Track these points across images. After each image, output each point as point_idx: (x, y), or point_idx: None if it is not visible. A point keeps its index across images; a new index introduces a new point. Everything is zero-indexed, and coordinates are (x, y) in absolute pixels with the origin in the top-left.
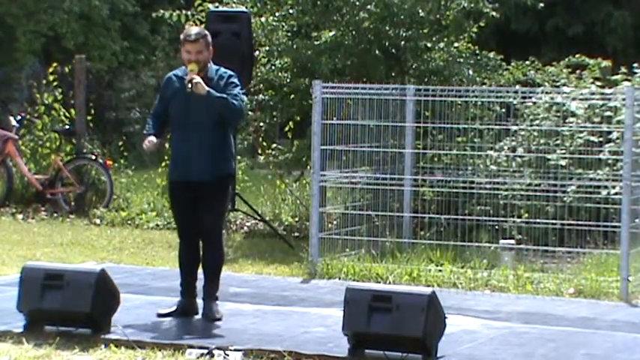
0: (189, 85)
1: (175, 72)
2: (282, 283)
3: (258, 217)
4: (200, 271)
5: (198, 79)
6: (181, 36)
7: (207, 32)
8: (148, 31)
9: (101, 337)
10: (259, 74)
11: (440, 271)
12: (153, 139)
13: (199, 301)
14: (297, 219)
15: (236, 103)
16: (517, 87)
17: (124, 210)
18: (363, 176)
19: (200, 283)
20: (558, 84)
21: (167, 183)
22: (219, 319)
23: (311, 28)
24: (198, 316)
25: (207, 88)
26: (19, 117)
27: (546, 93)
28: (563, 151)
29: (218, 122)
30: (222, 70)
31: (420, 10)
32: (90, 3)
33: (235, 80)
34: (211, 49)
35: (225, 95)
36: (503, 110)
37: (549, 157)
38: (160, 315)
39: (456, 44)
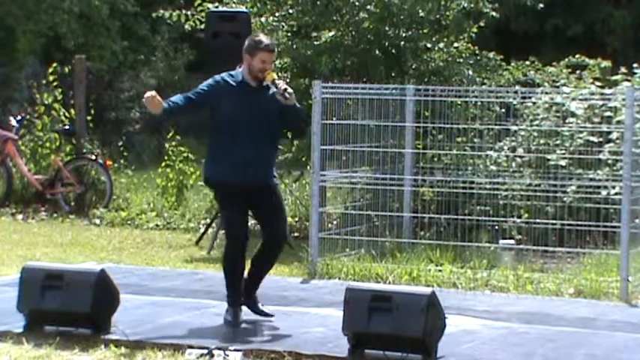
0: (287, 95)
1: (225, 77)
2: (282, 283)
3: None
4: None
5: (290, 89)
6: (248, 42)
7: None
8: (148, 31)
9: (101, 337)
10: None
11: (440, 271)
12: (157, 97)
13: None
14: (297, 219)
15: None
16: (517, 87)
17: (123, 210)
18: (363, 176)
19: None
20: (558, 84)
21: (216, 186)
22: (273, 315)
23: (311, 28)
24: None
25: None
26: (19, 117)
27: (546, 93)
28: (563, 152)
29: (275, 130)
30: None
31: (420, 10)
32: (90, 3)
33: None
34: None
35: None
36: (503, 110)
37: (549, 157)
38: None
39: (455, 44)
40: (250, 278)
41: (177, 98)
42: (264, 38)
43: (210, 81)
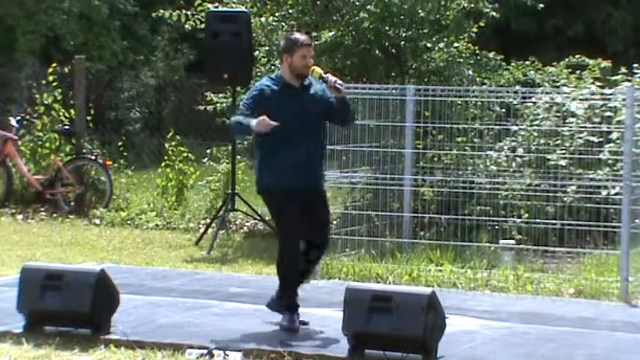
0: (339, 87)
1: (267, 82)
2: None
3: (258, 217)
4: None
5: (340, 81)
6: (285, 42)
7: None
8: (148, 31)
9: (101, 337)
10: (259, 74)
11: (440, 271)
12: (267, 119)
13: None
14: None
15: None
16: (517, 87)
17: (123, 210)
18: (363, 176)
19: None
20: (558, 84)
21: (269, 193)
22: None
23: (311, 28)
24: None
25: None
26: (18, 117)
27: (546, 93)
28: (563, 152)
29: (323, 131)
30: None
31: (420, 10)
32: (89, 3)
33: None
34: None
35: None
36: (503, 110)
37: (549, 157)
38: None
39: (455, 44)
40: None
41: (238, 116)
42: (299, 35)
43: (253, 92)
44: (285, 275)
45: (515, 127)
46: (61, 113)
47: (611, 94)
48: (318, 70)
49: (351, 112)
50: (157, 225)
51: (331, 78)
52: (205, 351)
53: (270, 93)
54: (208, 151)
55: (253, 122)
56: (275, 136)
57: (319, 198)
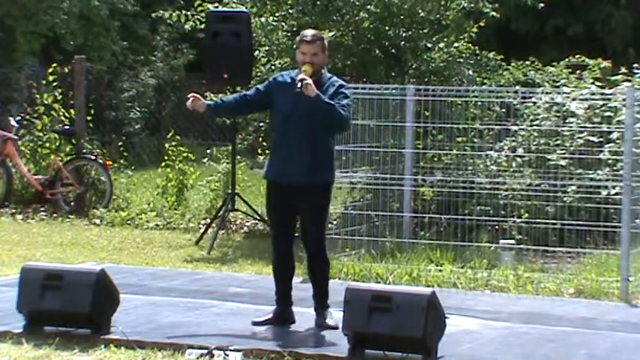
0: (299, 85)
1: (282, 75)
2: None
3: (258, 217)
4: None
5: (309, 80)
6: (297, 38)
7: (324, 36)
8: (148, 31)
9: (101, 338)
10: (259, 74)
11: (440, 271)
12: (199, 98)
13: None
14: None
15: (342, 113)
16: (517, 87)
17: (123, 210)
18: (363, 176)
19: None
20: (558, 84)
21: (266, 184)
22: (336, 327)
23: (311, 28)
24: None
25: (316, 91)
26: (18, 117)
27: (546, 93)
28: (563, 151)
29: (321, 129)
30: (335, 78)
31: (420, 10)
32: (89, 3)
33: (346, 91)
34: (327, 54)
35: (333, 103)
36: (503, 110)
37: (549, 157)
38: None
39: (455, 44)
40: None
41: (230, 96)
42: (306, 31)
43: (268, 81)
44: (273, 270)
45: (515, 127)
46: (61, 113)
47: (611, 94)
48: (307, 67)
49: (334, 117)
50: (157, 225)
51: (300, 77)
52: (205, 351)
53: (278, 84)
54: (208, 151)
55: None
56: (275, 131)
57: (307, 195)
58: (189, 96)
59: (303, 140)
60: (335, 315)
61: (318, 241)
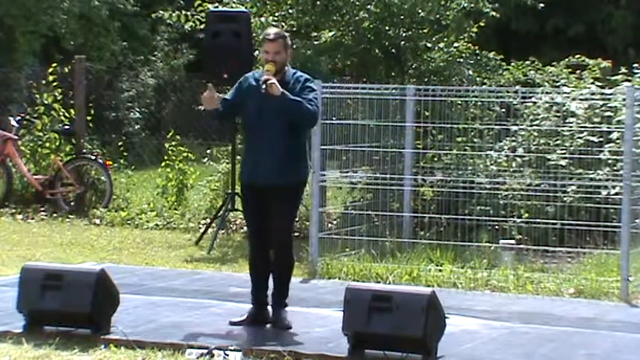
0: (264, 86)
1: (249, 74)
2: None
3: None
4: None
5: (273, 79)
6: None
7: (286, 34)
8: (148, 31)
9: (101, 337)
10: None
11: (440, 271)
12: (213, 90)
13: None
14: (297, 219)
15: (310, 108)
16: (517, 87)
17: (123, 210)
18: (363, 176)
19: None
20: (558, 84)
21: (240, 186)
22: (290, 328)
23: (311, 28)
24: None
25: (281, 90)
26: (18, 117)
27: (546, 93)
28: (563, 151)
29: (291, 127)
30: (299, 73)
31: (420, 10)
32: (89, 3)
33: (312, 85)
34: (290, 52)
35: (299, 99)
36: (503, 110)
37: (549, 157)
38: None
39: (455, 44)
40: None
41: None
42: (269, 29)
43: (235, 85)
44: (250, 269)
45: (515, 127)
46: (61, 113)
47: (611, 94)
48: (270, 66)
49: (302, 113)
50: (156, 225)
51: (264, 77)
52: (205, 351)
53: (245, 84)
54: (208, 151)
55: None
56: (245, 131)
57: (279, 194)
58: (208, 90)
59: (274, 140)
60: (329, 315)
61: (281, 239)
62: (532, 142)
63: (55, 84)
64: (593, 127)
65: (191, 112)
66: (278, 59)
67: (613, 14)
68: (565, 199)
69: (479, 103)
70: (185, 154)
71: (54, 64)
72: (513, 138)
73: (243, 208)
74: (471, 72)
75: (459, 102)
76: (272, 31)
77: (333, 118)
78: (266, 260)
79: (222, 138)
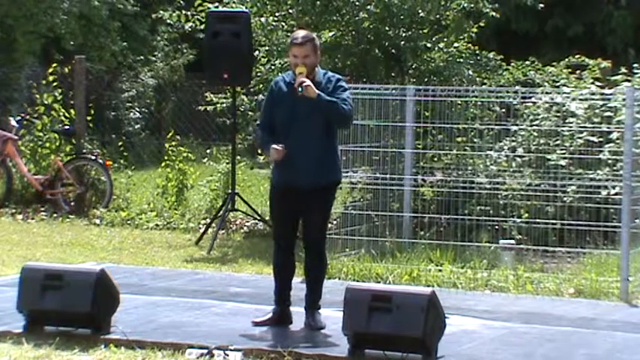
0: (300, 89)
1: (282, 76)
2: None
3: (258, 217)
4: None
5: (308, 81)
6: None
7: (314, 36)
8: (148, 31)
9: (101, 337)
10: (259, 74)
11: (440, 271)
12: (279, 146)
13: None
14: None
15: (345, 108)
16: (517, 87)
17: (123, 210)
18: (363, 176)
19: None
20: (558, 84)
21: (270, 187)
22: (323, 328)
23: (311, 28)
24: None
25: (317, 91)
26: (18, 117)
27: (546, 93)
28: (563, 151)
29: (325, 128)
30: (330, 73)
31: (420, 10)
32: (89, 4)
33: (344, 84)
34: (319, 54)
35: (335, 99)
36: (503, 110)
37: (549, 157)
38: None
39: (455, 44)
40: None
41: (259, 129)
42: (297, 33)
43: (267, 94)
44: (273, 270)
45: (515, 127)
46: (61, 113)
47: (611, 94)
48: (301, 69)
49: (339, 113)
50: (156, 225)
51: (299, 80)
52: (205, 351)
53: (276, 90)
54: (208, 151)
55: (270, 150)
56: (279, 135)
57: (316, 196)
58: (274, 151)
59: (310, 141)
60: (329, 315)
61: (316, 241)
62: (532, 142)
63: (55, 84)
64: (593, 127)
65: (191, 112)
66: (308, 62)
67: (613, 14)
68: (565, 199)
69: (479, 103)
70: (185, 154)
71: (54, 65)
72: (513, 138)
73: (274, 210)
74: (470, 72)
75: (459, 102)
76: (300, 34)
77: None
78: (292, 262)
79: (222, 138)
